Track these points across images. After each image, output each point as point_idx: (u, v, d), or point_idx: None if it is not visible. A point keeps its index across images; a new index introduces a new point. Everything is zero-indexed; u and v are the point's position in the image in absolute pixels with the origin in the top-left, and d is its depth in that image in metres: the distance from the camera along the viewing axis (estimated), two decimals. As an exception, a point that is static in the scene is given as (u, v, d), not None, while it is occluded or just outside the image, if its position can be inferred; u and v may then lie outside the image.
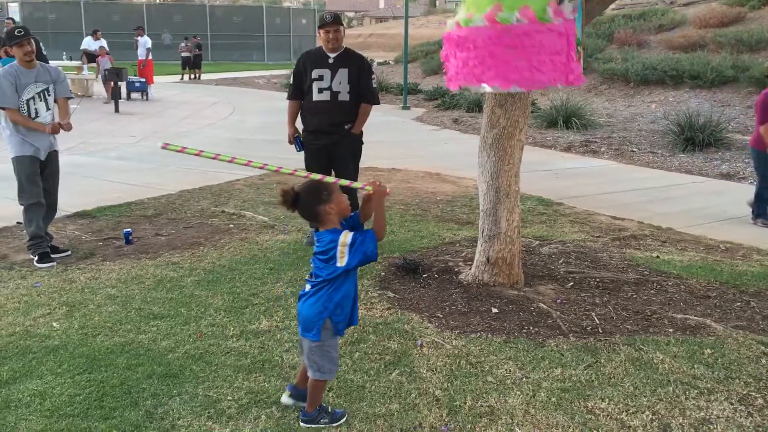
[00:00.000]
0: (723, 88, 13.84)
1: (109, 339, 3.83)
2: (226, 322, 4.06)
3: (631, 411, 3.13)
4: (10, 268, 5.06)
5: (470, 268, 4.81)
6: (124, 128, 13.11)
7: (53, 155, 5.36)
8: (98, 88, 17.70)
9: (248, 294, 4.51)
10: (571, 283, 4.73)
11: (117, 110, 15.71)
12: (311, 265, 2.91)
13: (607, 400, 3.21)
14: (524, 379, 3.41)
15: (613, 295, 4.55)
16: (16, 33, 5.03)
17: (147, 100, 18.39)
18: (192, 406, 3.14)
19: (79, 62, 19.36)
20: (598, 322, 4.10)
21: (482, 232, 4.69)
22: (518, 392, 3.28)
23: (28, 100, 5.12)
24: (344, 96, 5.44)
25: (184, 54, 25.86)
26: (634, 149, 10.81)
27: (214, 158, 3.09)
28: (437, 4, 71.72)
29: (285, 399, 3.12)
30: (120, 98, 16.33)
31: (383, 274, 4.88)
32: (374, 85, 5.61)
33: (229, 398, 3.20)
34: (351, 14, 76.04)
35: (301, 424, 2.98)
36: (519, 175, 4.61)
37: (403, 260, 5.01)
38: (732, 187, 8.40)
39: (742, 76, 13.54)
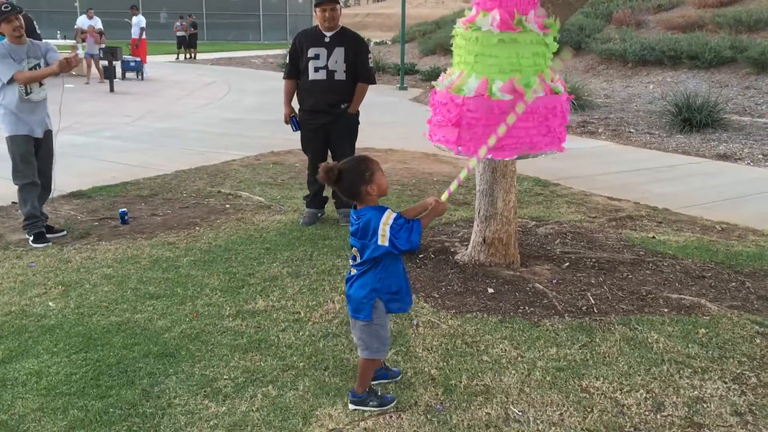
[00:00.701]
0: (721, 69, 13.79)
1: (105, 318, 3.83)
2: (222, 302, 4.06)
3: (625, 390, 3.14)
4: (6, 248, 5.04)
5: (466, 249, 4.82)
6: (119, 108, 13.04)
7: (47, 135, 5.32)
8: (94, 68, 17.56)
9: (244, 274, 4.51)
10: (567, 264, 4.73)
11: (112, 90, 15.62)
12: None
13: (601, 379, 3.23)
14: (519, 358, 3.43)
15: (609, 275, 4.56)
16: (2, 8, 4.95)
17: (142, 79, 18.28)
18: (188, 385, 3.15)
19: (74, 41, 19.19)
20: (593, 302, 4.11)
21: (478, 212, 4.69)
22: (513, 371, 3.29)
23: None
24: (340, 75, 5.41)
25: (179, 33, 25.70)
26: (632, 130, 10.79)
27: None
28: (435, -17, 71.02)
29: None
30: (115, 78, 16.22)
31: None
32: (371, 65, 5.58)
33: (225, 377, 3.21)
34: (348, -7, 75.37)
35: (350, 405, 2.97)
36: (515, 155, 4.59)
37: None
38: (729, 168, 8.39)
39: (741, 56, 13.49)
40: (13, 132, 5.11)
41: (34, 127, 5.17)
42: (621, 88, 14.54)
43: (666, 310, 4.02)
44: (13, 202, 5.91)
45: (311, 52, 5.40)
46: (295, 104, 5.68)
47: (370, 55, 5.59)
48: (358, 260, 2.87)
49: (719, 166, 8.49)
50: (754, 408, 3.02)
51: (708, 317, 3.92)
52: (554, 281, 4.42)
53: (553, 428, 2.85)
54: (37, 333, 3.65)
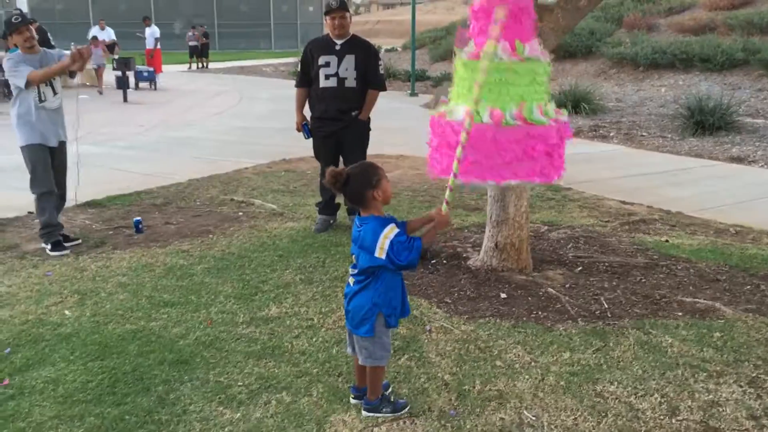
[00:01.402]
0: (733, 71, 13.72)
1: (120, 326, 3.87)
2: (236, 309, 4.09)
3: (639, 394, 3.13)
4: (22, 257, 5.10)
5: (479, 254, 4.82)
6: (132, 118, 13.15)
7: (62, 146, 5.37)
8: (109, 77, 17.67)
9: (258, 281, 4.54)
10: (580, 268, 4.72)
11: (125, 100, 15.75)
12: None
13: (615, 383, 3.22)
14: (533, 363, 3.42)
15: (622, 279, 4.54)
16: (13, 20, 5.00)
17: (155, 89, 18.41)
18: (203, 391, 3.17)
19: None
20: (606, 306, 4.10)
21: (490, 217, 4.70)
22: (527, 376, 3.29)
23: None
24: (351, 82, 5.44)
25: (191, 43, 25.88)
26: (644, 133, 10.75)
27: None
28: (445, -11, 71.15)
29: (353, 401, 3.08)
30: (128, 88, 16.36)
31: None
32: (381, 71, 5.61)
33: (239, 384, 3.23)
34: (358, 1, 75.77)
35: (363, 413, 2.98)
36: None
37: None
38: (742, 171, 8.34)
39: (753, 58, 13.41)
40: (27, 141, 5.16)
41: (49, 135, 5.21)
42: (633, 92, 14.49)
43: (680, 313, 4.00)
44: (29, 212, 5.98)
45: (322, 60, 5.44)
46: (307, 112, 5.71)
47: (380, 62, 5.62)
48: (356, 270, 2.87)
49: (732, 169, 8.44)
50: (770, 412, 3.00)
51: (723, 321, 3.90)
52: (567, 286, 4.41)
53: (568, 433, 2.85)
54: (54, 341, 3.69)
